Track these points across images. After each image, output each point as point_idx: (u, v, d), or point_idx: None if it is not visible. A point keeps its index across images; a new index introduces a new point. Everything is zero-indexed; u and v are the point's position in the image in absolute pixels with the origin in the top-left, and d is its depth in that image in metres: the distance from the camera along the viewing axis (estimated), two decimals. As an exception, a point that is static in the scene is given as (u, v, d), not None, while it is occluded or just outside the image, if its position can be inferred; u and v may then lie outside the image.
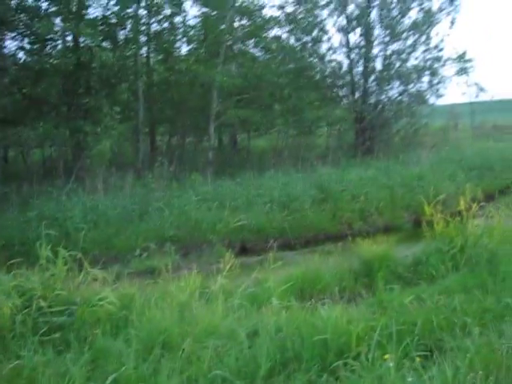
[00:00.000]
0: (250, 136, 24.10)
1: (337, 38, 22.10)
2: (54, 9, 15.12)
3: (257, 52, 21.54)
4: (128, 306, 4.97)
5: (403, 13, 20.73)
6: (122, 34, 16.95)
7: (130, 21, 16.75)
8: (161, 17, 18.53)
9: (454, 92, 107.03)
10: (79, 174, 13.60)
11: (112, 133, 15.48)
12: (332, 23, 21.48)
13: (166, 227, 9.76)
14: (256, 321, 4.72)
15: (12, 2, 14.98)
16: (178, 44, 19.52)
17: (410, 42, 21.00)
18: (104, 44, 15.76)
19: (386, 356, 3.88)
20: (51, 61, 15.32)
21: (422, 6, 20.75)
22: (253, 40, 20.99)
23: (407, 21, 20.88)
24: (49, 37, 15.37)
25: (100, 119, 14.67)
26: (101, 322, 4.73)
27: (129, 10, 16.63)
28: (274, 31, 21.12)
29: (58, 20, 15.43)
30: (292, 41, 21.60)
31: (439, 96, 22.20)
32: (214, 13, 18.73)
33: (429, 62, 21.42)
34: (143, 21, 17.68)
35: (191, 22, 19.51)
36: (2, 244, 8.42)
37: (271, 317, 4.72)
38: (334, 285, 6.24)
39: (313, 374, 3.97)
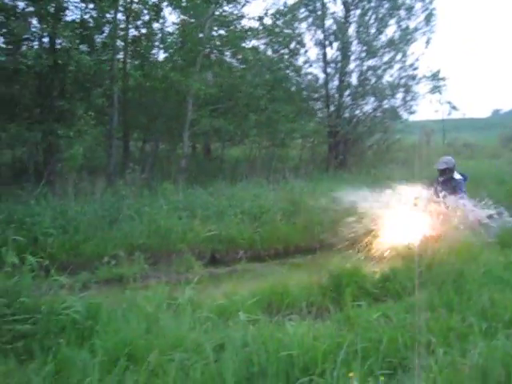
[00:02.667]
0: (224, 145, 24.10)
1: (314, 52, 22.26)
2: (31, 9, 14.97)
3: (234, 62, 21.57)
4: (94, 315, 4.91)
5: (380, 30, 21.05)
6: (99, 38, 16.87)
7: (107, 25, 16.70)
8: (139, 22, 18.52)
9: (427, 109, 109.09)
10: (50, 177, 13.42)
11: (85, 137, 15.34)
12: (310, 37, 21.75)
13: (136, 235, 9.67)
14: (223, 334, 4.71)
15: (-13, 1, 14.82)
16: (155, 50, 19.47)
17: (386, 58, 21.35)
18: (81, 47, 15.64)
19: (351, 374, 3.91)
20: (26, 61, 15.13)
21: (400, 24, 21.09)
22: (230, 50, 21.02)
23: (384, 38, 21.21)
24: (25, 37, 15.22)
25: (73, 123, 14.53)
26: (66, 332, 4.66)
27: (107, 15, 16.59)
28: (252, 42, 21.20)
29: (34, 20, 15.30)
30: (269, 52, 21.76)
31: (412, 112, 22.63)
32: (193, 21, 18.72)
33: (403, 80, 21.76)
34: (121, 26, 17.63)
35: (169, 29, 19.54)
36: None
37: (238, 331, 4.71)
38: (302, 299, 6.24)
39: (278, 390, 3.98)
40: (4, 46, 15.60)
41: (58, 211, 10.03)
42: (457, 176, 9.49)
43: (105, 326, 4.70)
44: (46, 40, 15.71)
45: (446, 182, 9.42)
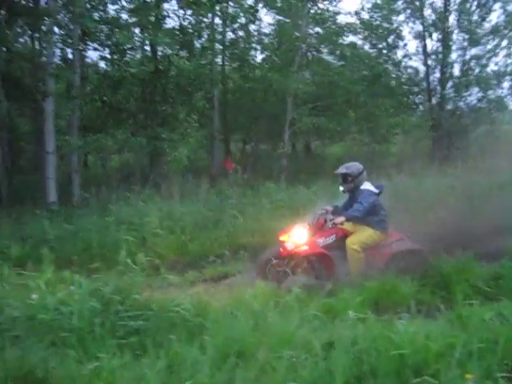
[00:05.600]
0: (324, 143, 23.96)
1: (413, 44, 21.62)
2: (133, 20, 15.62)
3: (331, 59, 21.40)
4: (203, 312, 4.99)
5: (483, 16, 20.11)
6: (198, 43, 17.31)
7: (205, 30, 17.11)
8: (236, 25, 18.82)
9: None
10: (156, 180, 13.93)
11: (189, 140, 15.76)
12: (408, 29, 21.16)
13: (240, 235, 9.78)
14: (331, 332, 4.63)
15: (95, 14, 15.63)
16: (252, 52, 19.73)
17: (490, 46, 20.33)
18: (181, 53, 16.13)
19: (468, 375, 3.72)
20: (130, 70, 15.79)
21: (505, 8, 20.02)
22: (327, 47, 20.88)
23: (487, 24, 20.23)
24: (128, 46, 15.91)
25: (176, 126, 14.99)
26: (176, 328, 4.77)
27: (205, 20, 17.00)
28: (349, 38, 20.94)
29: (137, 30, 15.97)
30: (367, 47, 21.40)
31: (521, 102, 21.40)
32: (288, 20, 18.77)
33: (510, 67, 20.65)
34: (219, 30, 17.99)
35: (266, 30, 19.71)
36: (83, 248, 8.68)
37: (347, 329, 4.62)
38: (411, 297, 6.04)
39: (389, 390, 3.86)
40: (109, 56, 16.42)
41: (165, 212, 10.33)
42: (365, 186, 7.38)
43: (213, 323, 4.75)
44: (147, 48, 16.35)
45: (352, 192, 7.54)
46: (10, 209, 11.96)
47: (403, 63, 21.50)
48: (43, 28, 14.71)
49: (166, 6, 15.92)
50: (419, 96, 22.36)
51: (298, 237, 7.19)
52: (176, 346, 4.43)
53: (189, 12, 16.39)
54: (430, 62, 21.02)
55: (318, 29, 20.12)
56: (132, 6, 16.07)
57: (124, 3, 16.10)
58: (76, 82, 14.91)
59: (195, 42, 17.19)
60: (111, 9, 16.37)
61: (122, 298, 4.94)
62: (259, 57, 20.34)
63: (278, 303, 5.29)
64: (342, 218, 7.12)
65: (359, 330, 4.58)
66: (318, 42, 20.31)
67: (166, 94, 16.07)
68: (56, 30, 15.37)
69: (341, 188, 7.60)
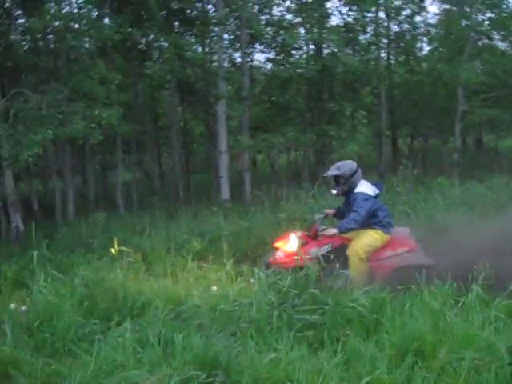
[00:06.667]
0: (499, 136, 22.51)
1: None
2: (298, 20, 15.91)
3: (505, 46, 19.97)
4: (379, 309, 4.93)
5: None
6: (363, 39, 17.16)
7: (370, 25, 16.91)
8: (401, 18, 18.34)
9: None
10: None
11: (358, 136, 15.70)
12: None
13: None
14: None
15: (261, 18, 16.17)
16: (418, 44, 19.10)
17: None
18: (346, 49, 16.14)
19: None
20: (296, 69, 16.09)
21: None
22: (499, 33, 19.52)
23: None
24: (294, 46, 16.24)
25: (344, 123, 15.02)
26: (352, 324, 4.76)
27: (368, 15, 16.82)
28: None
29: (301, 30, 16.25)
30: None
31: None
32: (456, 8, 17.89)
33: None
34: (383, 24, 17.68)
35: (432, 21, 18.96)
36: (256, 243, 8.96)
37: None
38: None
39: None
40: (276, 57, 16.90)
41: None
42: (360, 188, 6.49)
43: (390, 321, 4.67)
44: (312, 47, 16.56)
45: (346, 196, 6.72)
46: (188, 206, 12.77)
47: None
48: (213, 35, 15.54)
49: (328, 4, 16.00)
50: None
51: (289, 245, 6.56)
52: (353, 341, 4.42)
53: (354, 8, 16.36)
54: None
55: (488, 14, 18.91)
56: (296, 7, 16.39)
57: (288, 4, 16.48)
58: (245, 84, 15.52)
59: (360, 38, 17.09)
60: (276, 11, 16.85)
61: (299, 292, 5.03)
62: (426, 48, 19.65)
63: (457, 302, 5.05)
64: (333, 231, 6.38)
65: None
66: (490, 29, 19.06)
67: (332, 92, 16.15)
68: (225, 35, 16.15)
69: (332, 191, 6.81)
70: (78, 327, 5.07)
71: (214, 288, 5.70)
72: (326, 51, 16.13)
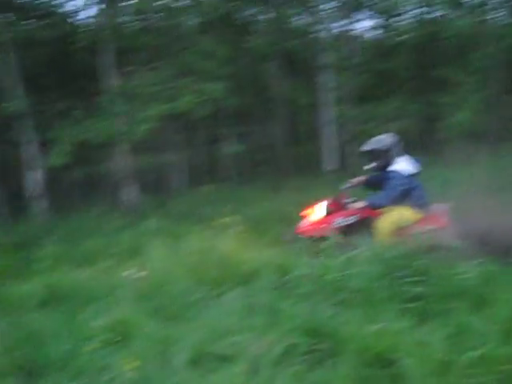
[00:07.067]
0: None
1: None
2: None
3: None
4: (487, 283, 4.80)
5: None
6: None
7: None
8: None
9: None
10: (433, 146, 13.67)
11: (469, 103, 15.00)
12: None
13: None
14: None
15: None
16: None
17: None
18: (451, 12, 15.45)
19: None
20: (401, 36, 15.64)
21: None
22: None
23: None
24: (395, 13, 15.75)
25: (453, 91, 14.43)
26: (459, 297, 4.67)
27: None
28: None
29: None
30: None
31: None
32: None
33: None
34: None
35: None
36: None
37: None
38: None
39: None
40: (380, 24, 16.48)
41: (443, 179, 10.03)
42: (398, 165, 6.27)
43: (500, 294, 4.55)
44: (416, 12, 16.00)
45: (383, 171, 6.42)
46: (293, 177, 12.90)
47: None
48: (317, 4, 15.40)
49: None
50: None
51: (314, 214, 6.46)
52: (460, 314, 4.36)
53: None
54: None
55: None
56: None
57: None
58: (348, 53, 15.28)
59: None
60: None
61: (406, 264, 5.00)
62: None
63: None
64: (362, 204, 6.29)
65: None
66: None
67: (440, 58, 15.54)
68: (329, 3, 15.93)
69: (365, 167, 6.58)
70: (190, 293, 5.36)
71: (321, 258, 5.78)
72: (433, 15, 15.48)
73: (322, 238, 5.94)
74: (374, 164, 6.47)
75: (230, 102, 14.55)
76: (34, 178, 12.87)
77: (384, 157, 6.36)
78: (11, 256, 8.45)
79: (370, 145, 6.52)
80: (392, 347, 3.95)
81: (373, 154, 6.45)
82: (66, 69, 14.73)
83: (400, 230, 6.15)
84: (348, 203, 6.45)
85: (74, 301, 6.01)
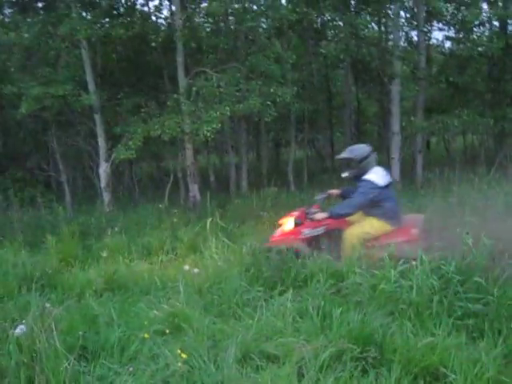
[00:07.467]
0: None
1: None
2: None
3: None
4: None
5: None
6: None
7: None
8: None
9: None
10: (502, 162, 13.27)
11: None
12: None
13: None
14: None
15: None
16: None
17: None
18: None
19: None
20: (478, 48, 15.25)
21: None
22: None
23: None
24: (475, 23, 15.37)
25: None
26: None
27: None
28: None
29: (484, 5, 15.33)
30: None
31: None
32: None
33: None
34: None
35: None
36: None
37: None
38: None
39: None
40: (455, 35, 16.11)
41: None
42: (370, 175, 6.19)
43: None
44: (496, 23, 15.59)
45: (356, 180, 6.35)
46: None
47: None
48: (389, 13, 15.21)
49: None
50: None
51: (286, 224, 6.55)
52: (515, 335, 4.24)
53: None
54: None
55: None
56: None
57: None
58: (421, 63, 15.05)
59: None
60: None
61: (463, 279, 4.90)
62: None
63: None
64: (323, 215, 6.24)
65: None
66: None
67: (517, 71, 15.09)
68: (402, 13, 15.73)
69: (343, 175, 6.56)
70: (243, 292, 5.44)
71: (376, 268, 5.73)
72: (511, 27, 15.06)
73: (291, 249, 6.06)
74: (349, 172, 6.49)
75: (297, 107, 14.57)
76: (105, 171, 13.29)
77: (357, 167, 6.36)
78: (76, 244, 8.76)
79: (344, 153, 6.55)
80: (441, 362, 3.89)
81: (349, 163, 6.47)
82: (138, 67, 15.18)
83: (366, 241, 6.15)
84: (310, 214, 6.43)
85: (131, 291, 6.23)
